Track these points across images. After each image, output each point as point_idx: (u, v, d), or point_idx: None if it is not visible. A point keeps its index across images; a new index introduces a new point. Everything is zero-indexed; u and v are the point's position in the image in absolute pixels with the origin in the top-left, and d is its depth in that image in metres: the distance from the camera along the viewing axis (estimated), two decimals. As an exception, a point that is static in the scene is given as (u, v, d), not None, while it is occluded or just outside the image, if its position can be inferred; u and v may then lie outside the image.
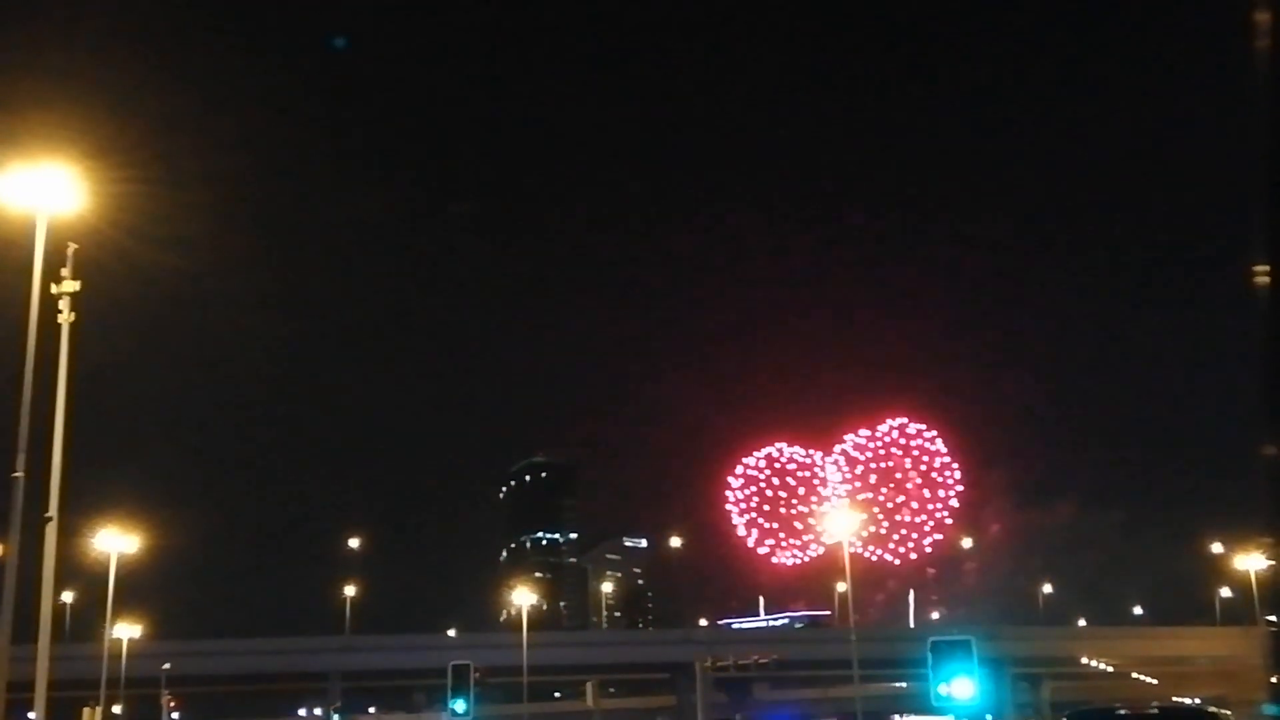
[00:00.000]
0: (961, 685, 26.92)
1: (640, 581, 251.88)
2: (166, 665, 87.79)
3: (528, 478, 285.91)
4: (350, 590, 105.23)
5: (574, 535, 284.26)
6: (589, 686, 70.31)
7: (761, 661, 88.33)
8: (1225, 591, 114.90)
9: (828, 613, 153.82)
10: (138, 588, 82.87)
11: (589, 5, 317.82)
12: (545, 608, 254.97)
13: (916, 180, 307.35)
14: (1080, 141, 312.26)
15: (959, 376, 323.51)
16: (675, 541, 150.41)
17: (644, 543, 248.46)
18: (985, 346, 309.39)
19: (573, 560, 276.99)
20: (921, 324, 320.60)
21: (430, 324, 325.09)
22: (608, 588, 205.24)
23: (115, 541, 39.71)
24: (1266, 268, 5.09)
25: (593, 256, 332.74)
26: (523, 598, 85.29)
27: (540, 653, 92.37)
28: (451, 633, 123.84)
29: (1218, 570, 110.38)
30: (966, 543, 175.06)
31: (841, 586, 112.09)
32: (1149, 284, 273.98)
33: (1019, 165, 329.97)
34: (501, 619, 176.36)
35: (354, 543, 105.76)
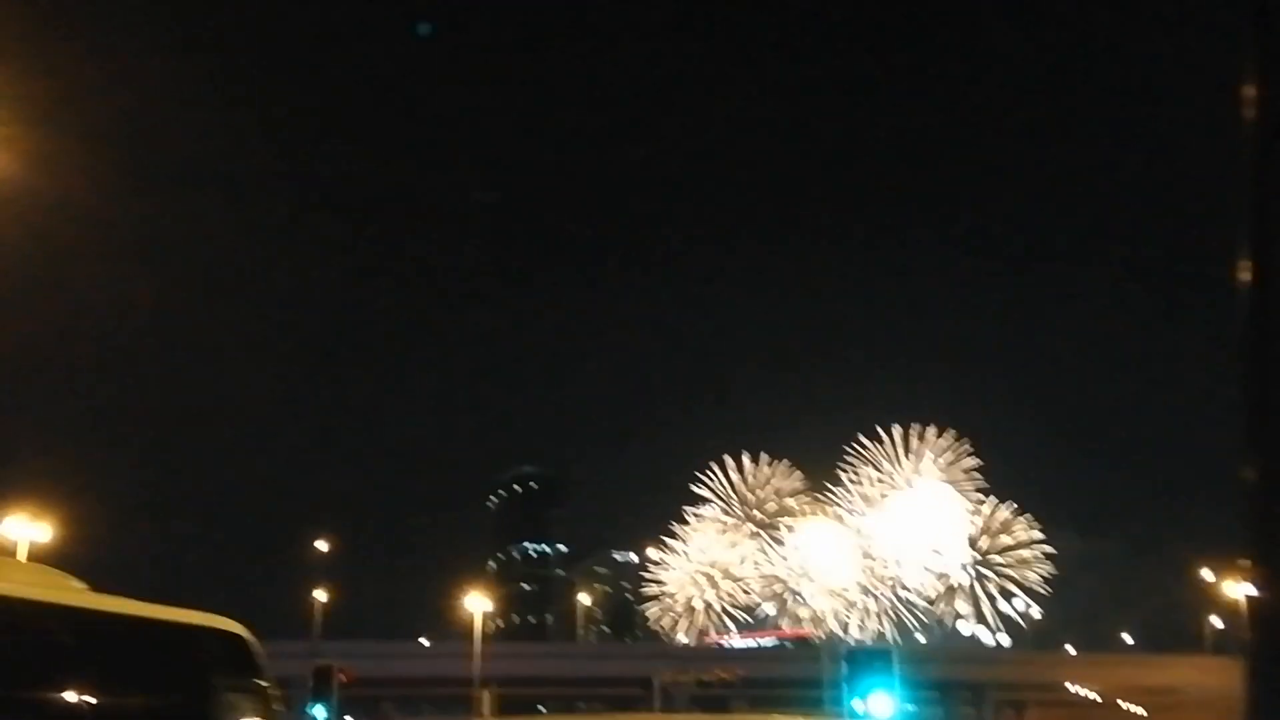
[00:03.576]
0: (879, 701, 24.00)
1: (628, 595, 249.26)
2: None
3: (517, 488, 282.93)
4: (321, 595, 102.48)
5: (562, 547, 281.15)
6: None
7: (725, 678, 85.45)
8: (1218, 622, 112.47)
9: (817, 633, 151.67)
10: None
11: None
12: (532, 620, 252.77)
13: (905, 201, 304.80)
14: (1072, 164, 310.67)
15: (953, 402, 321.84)
16: (653, 554, 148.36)
17: (633, 556, 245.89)
18: (979, 372, 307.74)
19: (560, 572, 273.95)
20: (914, 346, 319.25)
21: (422, 331, 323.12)
22: (587, 599, 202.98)
23: (24, 529, 36.83)
24: (1247, 290, 5.08)
25: (590, 271, 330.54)
26: (476, 604, 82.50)
27: (508, 664, 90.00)
28: (423, 641, 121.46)
29: (1208, 598, 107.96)
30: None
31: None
32: (1146, 309, 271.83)
33: (1016, 191, 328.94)
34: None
35: (323, 546, 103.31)
